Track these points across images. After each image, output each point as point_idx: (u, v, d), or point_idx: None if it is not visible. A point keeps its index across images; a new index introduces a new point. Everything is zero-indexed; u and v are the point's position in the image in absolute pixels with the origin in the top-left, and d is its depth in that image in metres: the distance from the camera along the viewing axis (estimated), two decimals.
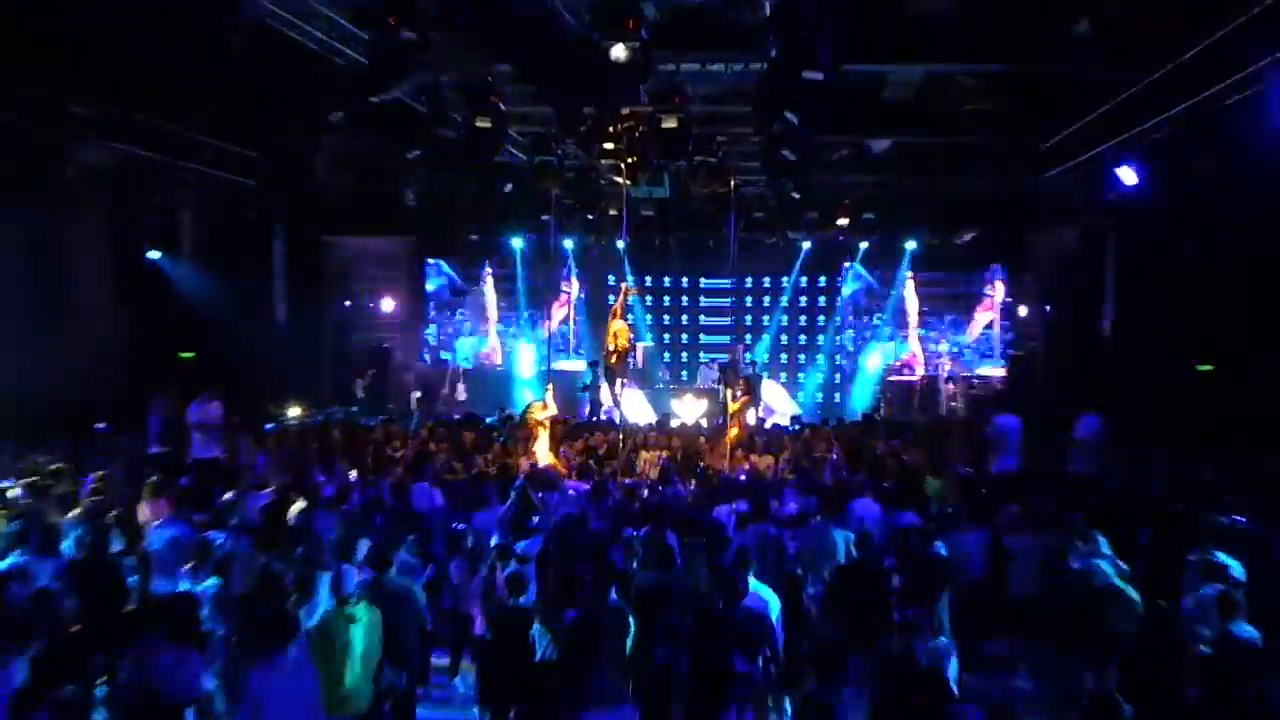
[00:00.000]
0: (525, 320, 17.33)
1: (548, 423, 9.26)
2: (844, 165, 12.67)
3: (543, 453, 9.11)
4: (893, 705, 3.89)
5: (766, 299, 17.65)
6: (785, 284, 17.42)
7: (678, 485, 7.90)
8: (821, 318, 17.65)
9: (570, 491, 7.38)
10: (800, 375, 17.62)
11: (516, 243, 16.75)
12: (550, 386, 9.90)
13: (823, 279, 17.42)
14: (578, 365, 15.72)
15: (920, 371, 16.17)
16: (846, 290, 17.08)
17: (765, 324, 17.51)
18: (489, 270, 16.99)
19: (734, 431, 9.97)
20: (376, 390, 15.54)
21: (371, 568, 5.13)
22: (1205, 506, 6.09)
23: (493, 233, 16.21)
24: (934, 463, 8.71)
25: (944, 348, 16.14)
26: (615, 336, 10.42)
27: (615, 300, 11.39)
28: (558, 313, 16.71)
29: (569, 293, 17.08)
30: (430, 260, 17.37)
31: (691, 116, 8.96)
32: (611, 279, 17.43)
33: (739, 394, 10.51)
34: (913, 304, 16.17)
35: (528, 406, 9.65)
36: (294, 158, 12.70)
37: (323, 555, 5.48)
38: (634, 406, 13.94)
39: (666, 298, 17.94)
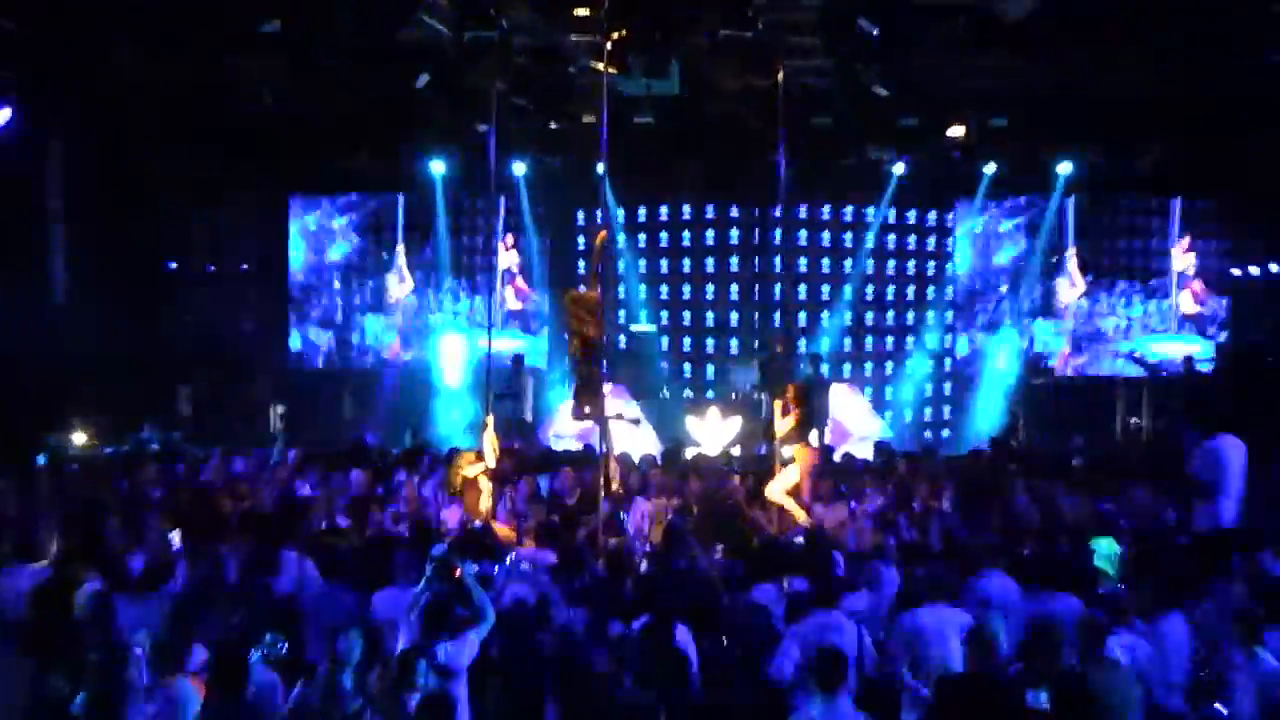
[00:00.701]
0: (448, 292, 17.48)
1: (483, 479, 9.34)
2: (960, 43, 12.70)
3: (479, 506, 9.20)
4: None
5: (833, 257, 17.51)
6: (864, 234, 17.35)
7: (695, 552, 7.80)
8: (930, 289, 17.65)
9: (523, 564, 7.37)
10: (889, 376, 17.64)
11: (436, 168, 16.67)
12: (488, 422, 9.86)
13: (918, 241, 17.40)
14: (514, 344, 15.83)
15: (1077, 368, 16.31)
16: (961, 254, 17.09)
17: (832, 296, 17.53)
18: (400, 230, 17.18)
19: (788, 464, 9.93)
20: (215, 404, 15.61)
21: (210, 684, 5.14)
22: None
23: (399, 153, 16.20)
24: (1104, 513, 8.75)
25: (1110, 324, 16.17)
26: (581, 317, 10.38)
27: (591, 261, 11.41)
28: (502, 269, 16.70)
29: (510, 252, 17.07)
30: (301, 198, 17.27)
31: None
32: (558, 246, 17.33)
33: (790, 407, 10.43)
34: (1070, 285, 16.19)
35: (451, 457, 9.76)
36: (77, 35, 12.68)
37: (130, 665, 5.41)
38: (624, 429, 14.14)
39: (676, 258, 17.85)
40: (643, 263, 17.81)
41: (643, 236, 17.78)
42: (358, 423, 16.60)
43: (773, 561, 7.38)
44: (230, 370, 15.92)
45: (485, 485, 9.30)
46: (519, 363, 14.65)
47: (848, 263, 17.70)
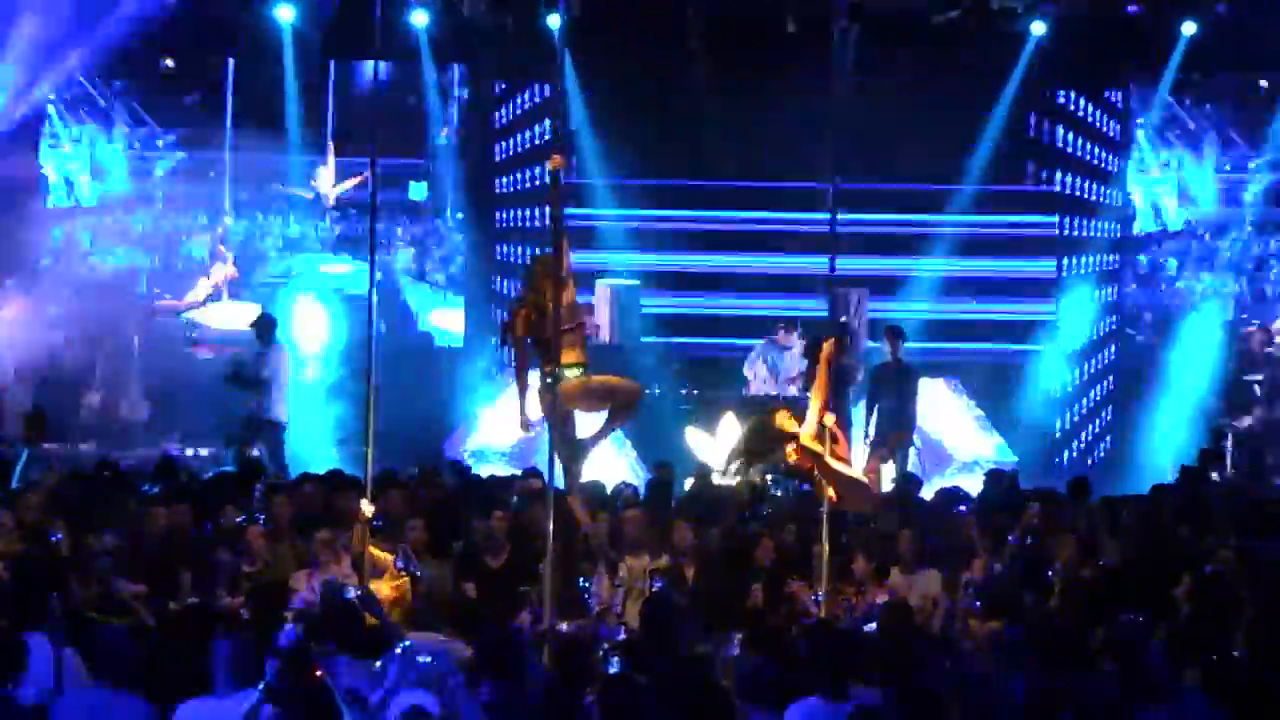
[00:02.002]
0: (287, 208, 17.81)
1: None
2: None
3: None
4: None
5: (927, 170, 17.69)
6: (977, 133, 17.49)
7: (695, 644, 8.13)
8: (1085, 222, 17.78)
9: (422, 657, 7.41)
10: (1013, 365, 17.91)
11: (284, 15, 17.45)
12: (364, 514, 9.46)
13: (1066, 142, 17.58)
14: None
15: None
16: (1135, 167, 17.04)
17: (923, 234, 17.80)
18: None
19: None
20: None
21: None
22: None
23: None
24: None
25: None
26: (546, 277, 10.20)
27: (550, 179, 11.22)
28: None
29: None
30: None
31: None
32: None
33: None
34: None
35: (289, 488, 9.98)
36: None
37: None
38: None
39: (675, 172, 17.96)
40: (622, 177, 17.77)
41: (624, 137, 17.75)
42: (153, 425, 16.73)
43: (825, 659, 7.33)
44: None
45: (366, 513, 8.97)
46: (266, 326, 14.57)
47: (948, 179, 17.77)
